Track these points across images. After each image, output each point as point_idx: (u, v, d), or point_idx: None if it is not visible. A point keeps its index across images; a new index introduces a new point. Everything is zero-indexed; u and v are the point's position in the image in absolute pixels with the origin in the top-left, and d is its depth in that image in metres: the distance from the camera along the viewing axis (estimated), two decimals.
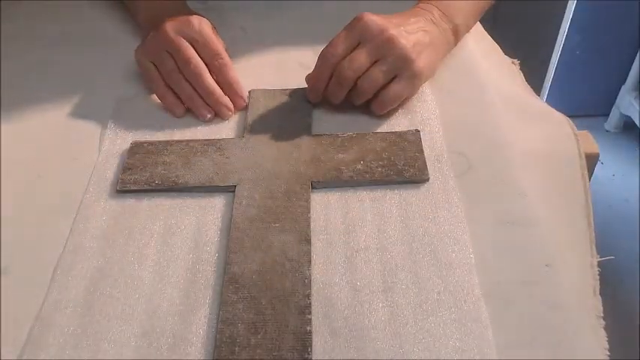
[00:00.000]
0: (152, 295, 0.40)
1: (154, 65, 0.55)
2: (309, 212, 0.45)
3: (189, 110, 0.55)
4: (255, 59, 0.63)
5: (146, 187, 0.48)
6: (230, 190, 0.47)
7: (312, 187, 0.47)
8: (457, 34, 0.57)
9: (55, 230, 0.45)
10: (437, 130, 0.52)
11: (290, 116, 0.54)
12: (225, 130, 0.54)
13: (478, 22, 0.65)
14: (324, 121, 0.54)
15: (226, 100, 0.55)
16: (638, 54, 1.44)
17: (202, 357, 0.37)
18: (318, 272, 0.41)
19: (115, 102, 0.57)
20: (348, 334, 0.38)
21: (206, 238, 0.44)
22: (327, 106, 0.55)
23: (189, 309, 0.40)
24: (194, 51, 0.54)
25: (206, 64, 0.55)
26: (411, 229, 0.44)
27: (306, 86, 0.54)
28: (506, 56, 0.65)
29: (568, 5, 1.34)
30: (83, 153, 0.52)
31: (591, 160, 0.50)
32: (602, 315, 0.40)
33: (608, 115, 1.59)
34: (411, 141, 0.50)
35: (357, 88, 0.51)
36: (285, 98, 0.56)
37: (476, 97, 0.55)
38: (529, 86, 0.61)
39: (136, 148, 0.51)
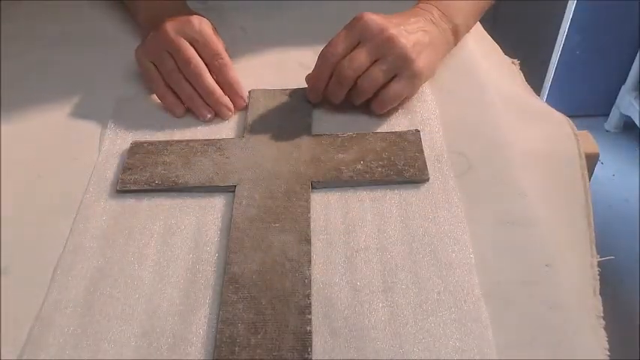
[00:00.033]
0: (152, 295, 0.40)
1: (154, 65, 0.55)
2: (309, 212, 0.45)
3: (189, 110, 0.55)
4: (255, 59, 0.63)
5: (146, 187, 0.48)
6: (230, 190, 0.47)
7: (312, 187, 0.47)
8: (457, 35, 0.57)
9: (55, 230, 0.45)
10: (437, 130, 0.52)
11: (290, 116, 0.54)
12: (225, 130, 0.54)
13: (478, 22, 0.65)
14: (324, 121, 0.54)
15: (226, 100, 0.55)
16: (638, 54, 1.44)
17: (202, 357, 0.37)
18: (318, 272, 0.41)
19: (115, 102, 0.57)
20: (348, 334, 0.38)
21: (206, 238, 0.44)
22: (327, 106, 0.55)
23: (189, 309, 0.40)
24: (194, 51, 0.54)
25: (206, 64, 0.55)
26: (411, 229, 0.44)
27: (306, 86, 0.55)
28: (506, 56, 0.65)
29: (568, 5, 1.34)
30: (83, 153, 0.52)
31: (591, 160, 0.50)
32: (602, 315, 0.40)
33: (608, 115, 1.59)
34: (411, 141, 0.50)
35: (357, 88, 0.51)
36: (285, 98, 0.56)
37: (476, 97, 0.55)
38: (529, 86, 0.61)
39: (136, 148, 0.51)
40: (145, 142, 0.52)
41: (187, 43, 0.54)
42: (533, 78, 0.69)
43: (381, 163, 0.48)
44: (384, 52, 0.49)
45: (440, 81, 0.57)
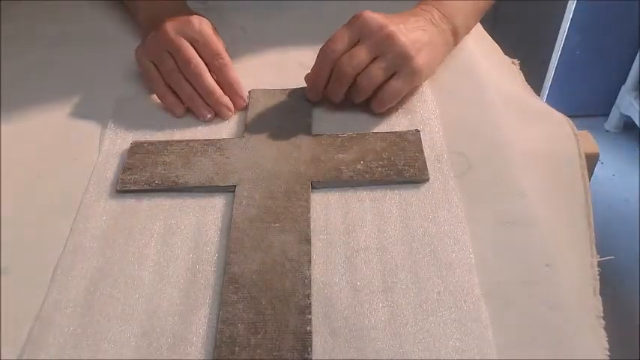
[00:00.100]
0: (152, 295, 0.40)
1: (154, 65, 0.55)
2: (309, 212, 0.45)
3: (189, 110, 0.55)
4: (255, 59, 0.63)
5: (146, 187, 0.48)
6: (230, 190, 0.47)
7: (312, 187, 0.47)
8: (457, 35, 0.57)
9: (55, 230, 0.45)
10: (437, 130, 0.52)
11: (290, 116, 0.54)
12: (225, 130, 0.54)
13: (478, 23, 0.65)
14: (324, 120, 0.54)
15: (226, 100, 0.55)
16: (638, 54, 1.44)
17: (202, 357, 0.37)
18: (318, 272, 0.41)
19: (115, 102, 0.57)
20: (348, 334, 0.38)
21: (206, 238, 0.44)
22: (327, 105, 0.55)
23: (189, 309, 0.40)
24: (194, 51, 0.54)
25: (206, 64, 0.55)
26: (411, 229, 0.44)
27: (306, 86, 0.54)
28: (506, 56, 0.65)
29: (568, 5, 1.34)
30: (83, 153, 0.52)
31: (591, 160, 0.50)
32: (602, 315, 0.40)
33: (608, 115, 1.59)
34: (411, 141, 0.50)
35: (356, 85, 0.51)
36: (285, 98, 0.56)
37: (476, 97, 0.55)
38: (529, 86, 0.61)
39: (136, 148, 0.51)
40: (145, 142, 0.52)
41: (187, 43, 0.54)
42: (533, 78, 0.69)
43: (381, 163, 0.48)
44: (383, 49, 0.49)
45: (440, 81, 0.57)
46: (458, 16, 0.57)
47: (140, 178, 0.48)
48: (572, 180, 0.48)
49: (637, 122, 1.47)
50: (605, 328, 0.39)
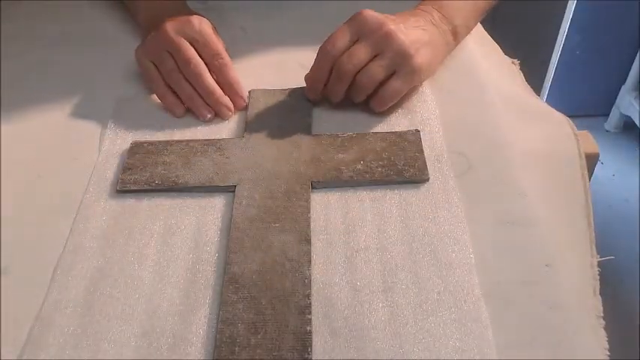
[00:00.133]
0: (152, 295, 0.40)
1: (154, 65, 0.55)
2: (309, 212, 0.45)
3: (189, 110, 0.55)
4: (256, 59, 0.63)
5: (146, 187, 0.48)
6: (230, 190, 0.47)
7: (312, 187, 0.47)
8: (457, 36, 0.57)
9: (55, 230, 0.45)
10: (437, 130, 0.52)
11: (290, 116, 0.54)
12: (225, 130, 0.54)
13: (478, 23, 0.65)
14: (324, 120, 0.54)
15: (226, 100, 0.55)
16: (638, 54, 1.44)
17: (202, 357, 0.37)
18: (318, 272, 0.41)
19: (115, 102, 0.57)
20: (348, 334, 0.38)
21: (206, 238, 0.44)
22: (327, 105, 0.55)
23: (189, 309, 0.40)
24: (194, 51, 0.54)
25: (206, 64, 0.55)
26: (411, 229, 0.44)
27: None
28: (506, 56, 0.65)
29: (568, 5, 1.34)
30: (83, 153, 0.52)
31: (591, 160, 0.50)
32: (602, 315, 0.40)
33: (608, 115, 1.59)
34: (411, 141, 0.50)
35: (356, 84, 0.51)
36: (285, 98, 0.56)
37: (476, 97, 0.55)
38: (529, 86, 0.61)
39: (136, 148, 0.51)
40: (145, 142, 0.52)
41: (187, 43, 0.54)
42: (533, 78, 0.69)
43: (381, 163, 0.48)
44: (382, 47, 0.49)
45: (440, 81, 0.57)
46: (458, 16, 0.57)
47: (140, 178, 0.48)
48: (572, 180, 0.48)
49: (637, 122, 1.47)
50: (605, 328, 0.39)
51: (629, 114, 1.52)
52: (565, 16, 1.36)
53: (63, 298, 0.40)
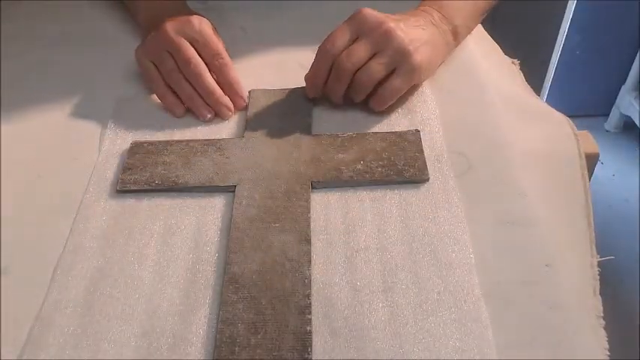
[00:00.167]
0: (152, 295, 0.40)
1: (154, 65, 0.55)
2: (309, 212, 0.45)
3: (189, 110, 0.55)
4: (256, 59, 0.63)
5: (146, 187, 0.48)
6: (230, 190, 0.47)
7: (312, 187, 0.47)
8: (457, 36, 0.57)
9: (55, 230, 0.45)
10: (437, 130, 0.52)
11: (290, 116, 0.54)
12: (225, 130, 0.54)
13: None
14: (323, 120, 0.54)
15: (226, 100, 0.55)
16: (638, 54, 1.44)
17: (202, 357, 0.37)
18: (318, 272, 0.41)
19: (115, 102, 0.57)
20: (348, 334, 0.38)
21: (206, 238, 0.44)
22: (327, 105, 0.55)
23: (189, 309, 0.40)
24: (194, 51, 0.54)
25: (206, 64, 0.55)
26: (411, 229, 0.44)
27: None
28: (506, 56, 0.65)
29: (568, 5, 1.34)
30: (83, 153, 0.52)
31: (591, 160, 0.50)
32: (602, 315, 0.40)
33: (608, 115, 1.59)
34: (411, 141, 0.50)
35: (355, 82, 0.51)
36: (285, 98, 0.56)
37: (476, 97, 0.55)
38: (529, 86, 0.61)
39: (136, 148, 0.51)
40: (145, 142, 0.52)
41: (187, 43, 0.54)
42: (533, 78, 0.69)
43: (381, 163, 0.48)
44: (382, 45, 0.49)
45: (440, 81, 0.57)
46: (458, 17, 0.57)
47: (140, 178, 0.48)
48: (572, 180, 0.48)
49: (637, 122, 1.47)
50: (605, 328, 0.39)
51: (629, 114, 1.52)
52: (565, 16, 1.36)
53: (63, 298, 0.40)
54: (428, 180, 0.47)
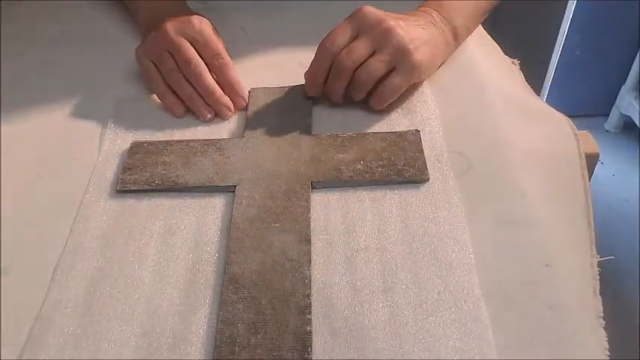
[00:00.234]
0: (152, 295, 0.40)
1: (154, 65, 0.55)
2: (309, 212, 0.45)
3: (189, 110, 0.55)
4: (256, 59, 0.63)
5: (146, 187, 0.48)
6: (230, 190, 0.47)
7: (312, 187, 0.47)
8: (457, 37, 0.57)
9: (55, 230, 0.45)
10: (437, 130, 0.52)
11: (290, 116, 0.54)
12: (225, 130, 0.54)
13: None
14: (324, 120, 0.54)
15: (226, 100, 0.55)
16: (638, 54, 1.44)
17: (202, 357, 0.37)
18: (318, 272, 0.41)
19: (115, 102, 0.57)
20: (348, 334, 0.38)
21: (206, 238, 0.44)
22: (327, 105, 0.55)
23: (189, 309, 0.40)
24: (194, 51, 0.54)
25: (206, 64, 0.55)
26: (411, 229, 0.44)
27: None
28: (506, 56, 0.65)
29: (568, 5, 1.34)
30: (83, 153, 0.52)
31: (591, 160, 0.50)
32: (602, 315, 0.40)
33: (608, 115, 1.59)
34: (411, 141, 0.50)
35: (355, 80, 0.51)
36: (285, 97, 0.56)
37: (476, 97, 0.55)
38: (529, 86, 0.61)
39: (136, 148, 0.51)
40: (145, 142, 0.52)
41: (188, 43, 0.54)
42: (533, 78, 0.69)
43: (381, 163, 0.48)
44: (382, 43, 0.49)
45: (440, 81, 0.57)
46: (458, 17, 0.57)
47: (140, 178, 0.48)
48: (572, 180, 0.48)
49: (637, 122, 1.48)
50: (605, 328, 0.39)
51: (629, 114, 1.52)
52: (565, 16, 1.36)
53: (63, 298, 0.40)
54: (428, 180, 0.47)
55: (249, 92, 0.57)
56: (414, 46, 0.50)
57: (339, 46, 0.50)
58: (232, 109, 0.55)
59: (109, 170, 0.50)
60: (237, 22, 0.68)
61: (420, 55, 0.50)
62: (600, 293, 0.41)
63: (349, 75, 0.51)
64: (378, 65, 0.50)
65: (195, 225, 0.45)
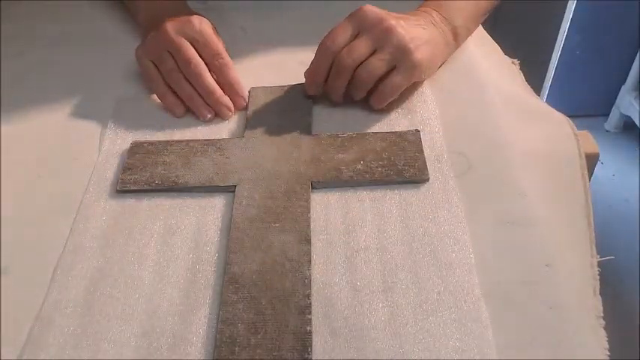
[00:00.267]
0: (152, 295, 0.40)
1: (154, 65, 0.55)
2: (309, 212, 0.45)
3: (189, 110, 0.55)
4: (256, 59, 0.63)
5: (146, 187, 0.48)
6: (230, 190, 0.47)
7: (312, 187, 0.47)
8: (457, 37, 0.57)
9: (55, 230, 0.45)
10: (437, 130, 0.52)
11: (290, 115, 0.54)
12: (225, 130, 0.54)
13: None
14: (324, 120, 0.54)
15: (226, 100, 0.55)
16: (638, 54, 1.44)
17: (202, 357, 0.37)
18: (318, 272, 0.41)
19: (115, 102, 0.57)
20: (348, 334, 0.38)
21: (206, 238, 0.44)
22: (327, 104, 0.55)
23: (189, 309, 0.40)
24: (194, 51, 0.54)
25: (206, 64, 0.55)
26: (411, 229, 0.44)
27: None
28: (506, 56, 0.65)
29: (568, 5, 1.34)
30: (83, 153, 0.52)
31: (591, 160, 0.50)
32: (602, 315, 0.40)
33: (608, 115, 1.59)
34: (411, 141, 0.50)
35: (355, 79, 0.51)
36: (285, 96, 0.56)
37: (476, 97, 0.55)
38: (529, 86, 0.61)
39: (136, 148, 0.51)
40: (145, 142, 0.52)
41: (188, 43, 0.54)
42: (533, 78, 0.69)
43: (381, 163, 0.48)
44: (383, 42, 0.49)
45: (440, 81, 0.57)
46: (458, 17, 0.57)
47: (140, 178, 0.48)
48: (572, 180, 0.48)
49: (637, 122, 1.48)
50: (605, 328, 0.39)
51: (629, 114, 1.52)
52: (565, 16, 1.36)
53: (63, 298, 0.40)
54: (428, 180, 0.47)
55: (249, 91, 0.57)
56: (414, 45, 0.50)
57: (339, 45, 0.50)
58: (232, 109, 0.55)
59: (109, 170, 0.50)
60: (237, 22, 0.68)
61: (421, 54, 0.50)
62: (600, 293, 0.41)
63: (350, 74, 0.51)
64: (378, 64, 0.50)
65: (195, 225, 0.45)
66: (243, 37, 0.66)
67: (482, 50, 0.63)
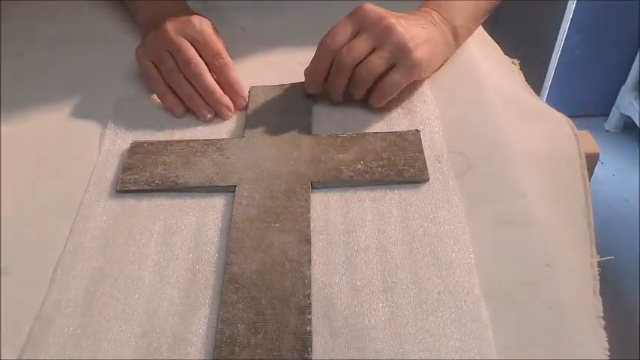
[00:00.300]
0: (152, 295, 0.40)
1: (154, 65, 0.55)
2: (309, 212, 0.45)
3: (189, 110, 0.55)
4: (256, 59, 0.63)
5: (146, 187, 0.48)
6: (230, 190, 0.47)
7: (312, 187, 0.47)
8: (457, 37, 0.57)
9: (55, 230, 0.45)
10: (437, 130, 0.52)
11: (290, 114, 0.54)
12: (225, 130, 0.54)
13: None
14: (324, 120, 0.54)
15: (226, 100, 0.55)
16: (638, 54, 1.44)
17: (202, 357, 0.37)
18: (318, 272, 0.41)
19: (115, 102, 0.57)
20: (348, 334, 0.38)
21: (206, 238, 0.44)
22: (327, 104, 0.55)
23: (189, 309, 0.40)
24: (195, 51, 0.54)
25: (206, 64, 0.55)
26: (411, 229, 0.44)
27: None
28: (506, 56, 0.65)
29: (568, 5, 1.34)
30: (83, 153, 0.52)
31: (591, 160, 0.50)
32: (602, 315, 0.40)
33: (608, 115, 1.59)
34: (411, 141, 0.50)
35: (355, 77, 0.51)
36: (285, 94, 0.56)
37: (476, 98, 0.55)
38: (529, 86, 0.61)
39: (136, 148, 0.51)
40: (145, 142, 0.52)
41: (188, 43, 0.54)
42: (533, 78, 0.69)
43: (381, 163, 0.48)
44: (382, 40, 0.49)
45: (440, 81, 0.57)
46: (458, 18, 0.57)
47: (140, 178, 0.48)
48: (572, 180, 0.48)
49: (637, 122, 1.48)
50: (605, 328, 0.39)
51: (629, 114, 1.52)
52: (565, 16, 1.36)
53: (63, 298, 0.40)
54: (428, 180, 0.47)
55: (248, 91, 0.57)
56: (414, 43, 0.50)
57: (339, 44, 0.50)
58: (232, 109, 0.55)
59: (109, 170, 0.50)
60: (237, 22, 0.68)
61: (420, 52, 0.51)
62: (600, 293, 0.41)
63: (349, 72, 0.51)
64: (378, 62, 0.50)
65: (195, 225, 0.45)
66: (243, 37, 0.66)
67: (482, 50, 0.63)
